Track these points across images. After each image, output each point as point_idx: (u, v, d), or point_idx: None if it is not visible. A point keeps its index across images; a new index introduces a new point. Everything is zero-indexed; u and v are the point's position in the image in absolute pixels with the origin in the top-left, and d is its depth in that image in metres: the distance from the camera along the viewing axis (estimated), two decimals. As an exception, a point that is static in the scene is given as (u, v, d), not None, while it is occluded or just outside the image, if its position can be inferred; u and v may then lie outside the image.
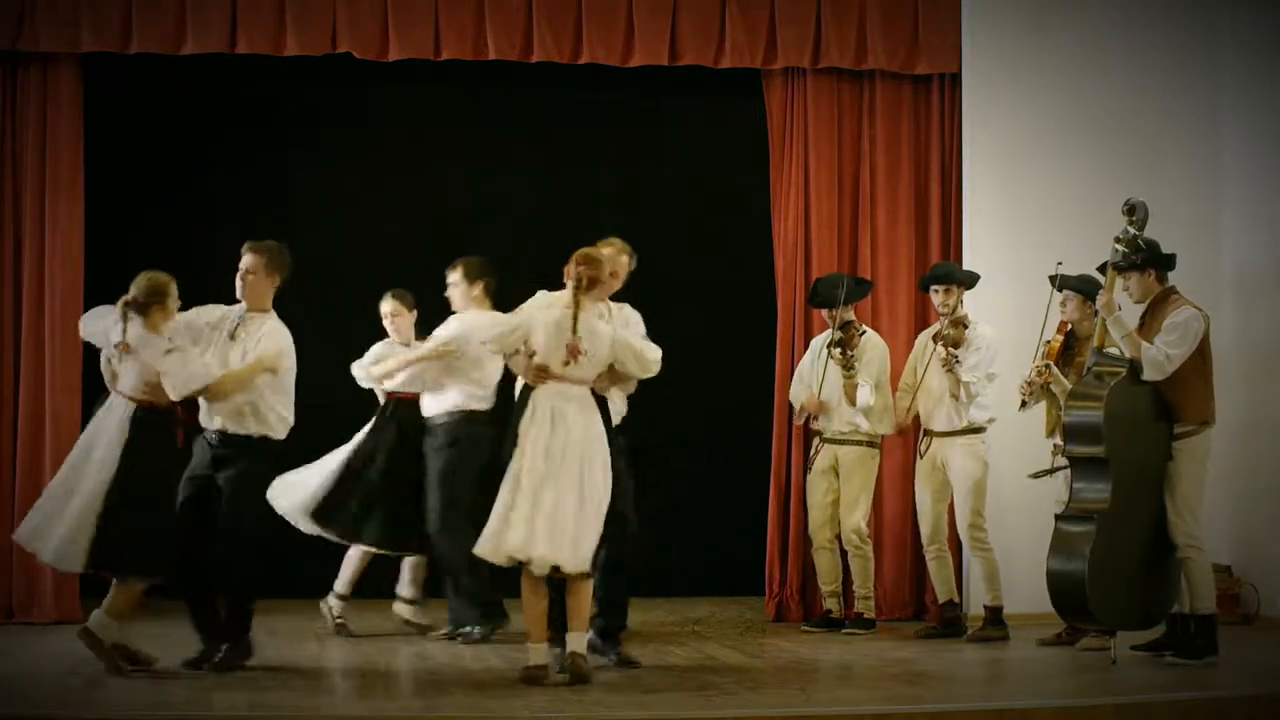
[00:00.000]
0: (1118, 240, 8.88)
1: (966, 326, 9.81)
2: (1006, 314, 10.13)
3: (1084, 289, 9.40)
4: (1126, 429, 8.73)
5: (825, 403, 10.00)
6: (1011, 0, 10.74)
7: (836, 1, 10.60)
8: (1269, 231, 10.49)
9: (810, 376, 10.11)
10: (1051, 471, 9.43)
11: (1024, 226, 10.56)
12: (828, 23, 10.60)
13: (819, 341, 10.16)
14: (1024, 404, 9.58)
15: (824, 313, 10.14)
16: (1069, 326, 9.50)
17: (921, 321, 10.68)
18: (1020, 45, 10.70)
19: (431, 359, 9.33)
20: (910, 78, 10.77)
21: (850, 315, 10.05)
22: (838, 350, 9.85)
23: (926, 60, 10.69)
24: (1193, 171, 10.74)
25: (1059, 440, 9.30)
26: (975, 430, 9.77)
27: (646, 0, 10.44)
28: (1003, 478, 9.89)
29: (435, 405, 9.41)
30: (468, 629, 9.35)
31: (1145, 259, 8.83)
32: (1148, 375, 8.71)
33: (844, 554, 10.12)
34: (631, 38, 10.46)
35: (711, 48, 10.54)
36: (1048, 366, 9.32)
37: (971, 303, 10.06)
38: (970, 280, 9.96)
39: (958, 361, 9.69)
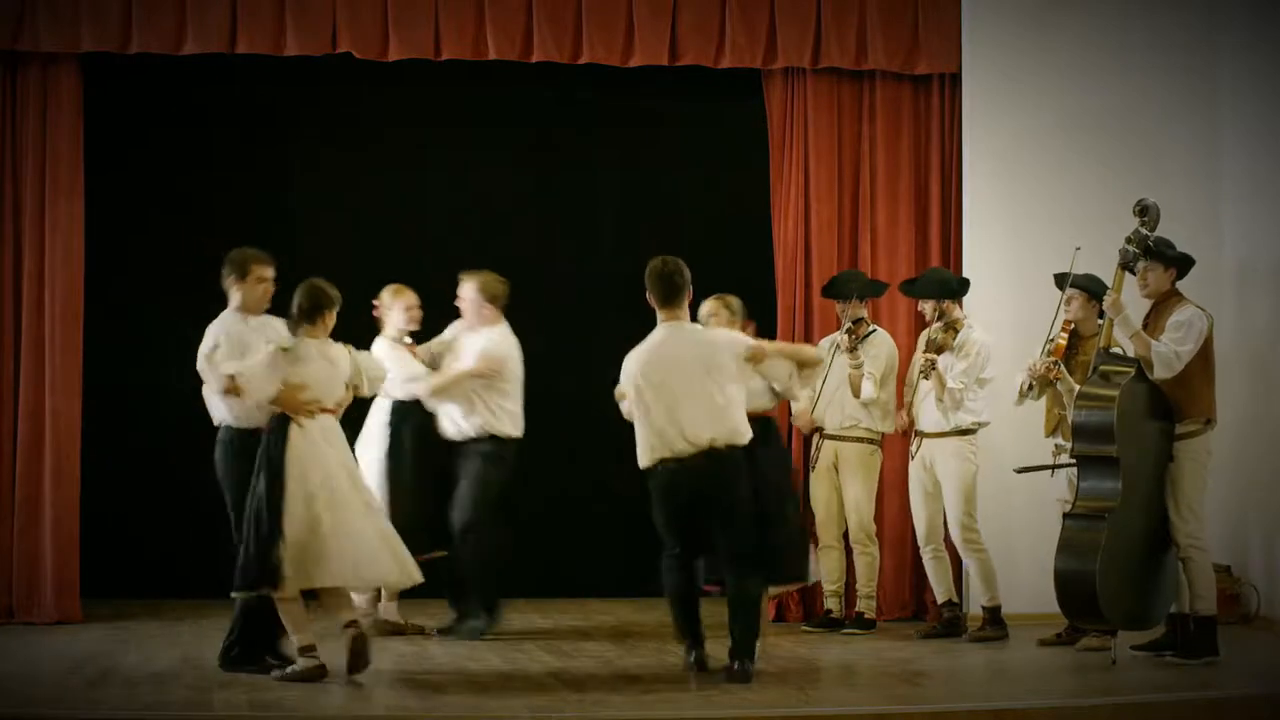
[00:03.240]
0: (1129, 241, 8.88)
1: (957, 332, 9.81)
2: (1006, 313, 10.13)
3: (1089, 288, 9.40)
4: (1133, 428, 8.74)
5: (817, 417, 10.03)
6: (1011, 0, 10.74)
7: (836, 1, 10.60)
8: (1269, 231, 10.47)
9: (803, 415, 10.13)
10: (1042, 468, 9.43)
11: (1024, 227, 10.56)
12: (828, 23, 10.59)
13: (827, 341, 10.18)
14: (1024, 395, 9.56)
15: (837, 306, 10.14)
16: (1072, 325, 9.50)
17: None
18: (1020, 45, 10.69)
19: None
20: (910, 78, 10.77)
21: (863, 312, 10.06)
22: (846, 337, 9.87)
23: (926, 60, 10.68)
24: (1193, 171, 10.73)
25: (1060, 440, 9.31)
26: (963, 432, 9.78)
27: (646, 0, 10.44)
28: (1004, 478, 9.87)
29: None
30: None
31: (1174, 257, 8.86)
32: (1157, 374, 8.72)
33: (848, 552, 10.13)
34: (631, 38, 10.46)
35: (711, 48, 10.53)
36: (1056, 364, 9.31)
37: (971, 302, 10.07)
38: (929, 290, 9.96)
39: (934, 368, 9.70)
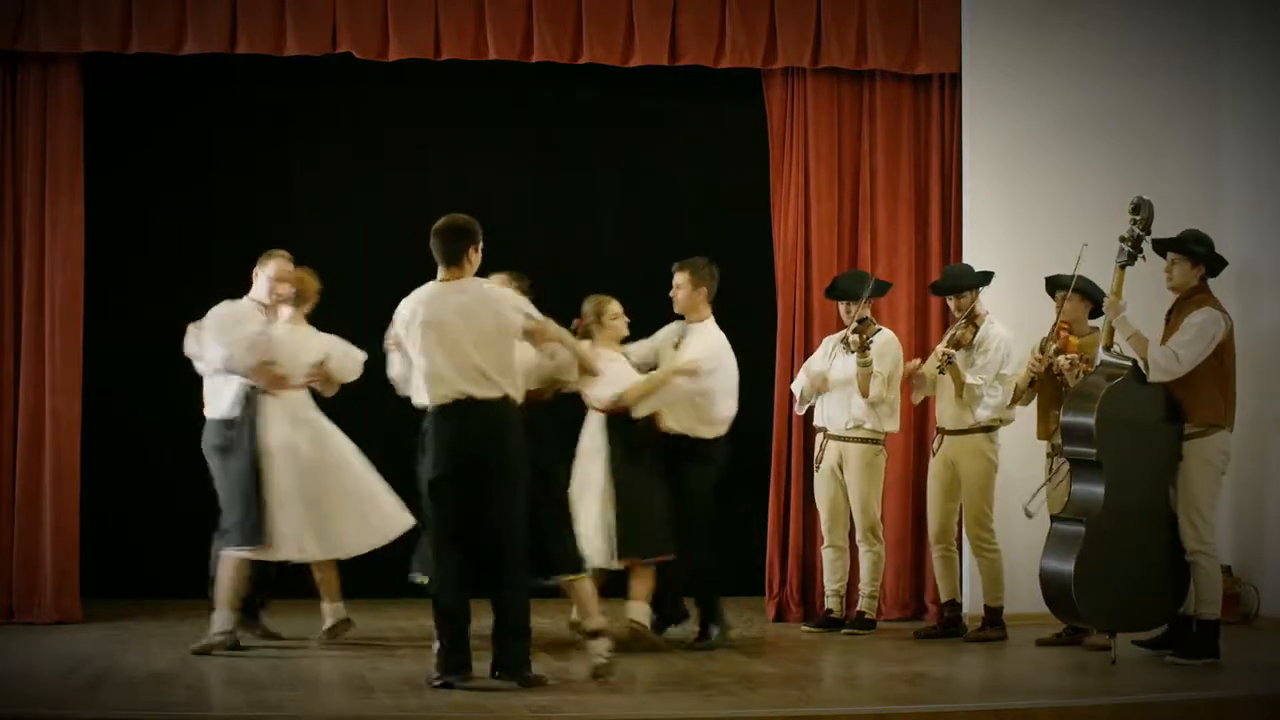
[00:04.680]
0: (1123, 239, 8.89)
1: (977, 328, 9.80)
2: (1006, 313, 10.11)
3: (1082, 288, 9.40)
4: (1127, 431, 8.70)
5: (829, 387, 9.98)
6: (1011, 0, 10.74)
7: (836, 1, 10.61)
8: (1269, 231, 10.49)
9: (818, 371, 10.10)
10: (1040, 489, 9.40)
11: (1024, 226, 10.56)
12: (828, 23, 10.60)
13: (831, 340, 10.16)
14: (1015, 401, 9.56)
15: (841, 307, 10.11)
16: (1068, 326, 9.49)
17: (921, 320, 10.69)
18: (1020, 45, 10.70)
19: None
20: (910, 78, 10.77)
21: (866, 312, 10.05)
22: (855, 336, 9.85)
23: (926, 60, 10.69)
24: (1193, 171, 10.74)
25: (1056, 441, 9.30)
26: (984, 429, 9.76)
27: (646, 0, 10.44)
28: (1003, 479, 9.87)
29: None
30: None
31: (1201, 254, 8.83)
32: (1153, 376, 8.67)
33: (852, 550, 10.11)
34: (631, 38, 10.47)
35: (711, 48, 10.54)
36: (1079, 358, 9.27)
37: (971, 302, 10.10)
38: (959, 284, 9.94)
39: (950, 363, 9.68)
